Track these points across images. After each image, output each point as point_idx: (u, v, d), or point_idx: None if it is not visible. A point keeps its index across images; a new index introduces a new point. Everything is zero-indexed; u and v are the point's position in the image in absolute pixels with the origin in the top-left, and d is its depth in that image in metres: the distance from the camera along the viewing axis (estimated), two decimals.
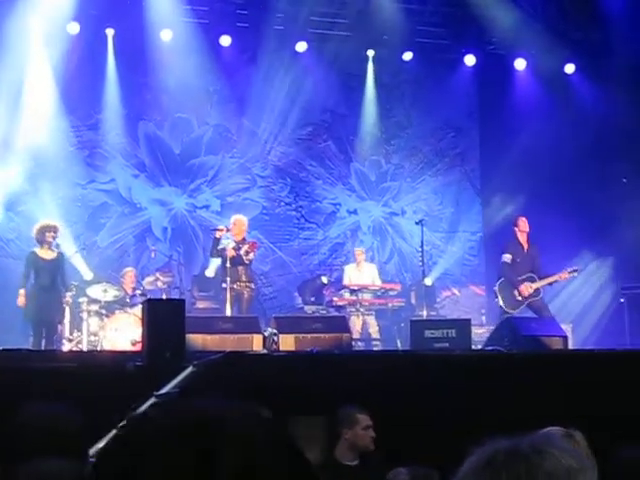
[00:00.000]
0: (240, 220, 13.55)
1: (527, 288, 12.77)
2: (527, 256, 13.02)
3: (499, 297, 12.96)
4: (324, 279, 15.61)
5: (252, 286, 13.16)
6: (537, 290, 12.85)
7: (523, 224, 13.09)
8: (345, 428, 6.45)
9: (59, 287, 12.26)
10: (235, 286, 12.83)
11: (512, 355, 8.87)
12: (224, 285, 12.96)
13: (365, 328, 14.43)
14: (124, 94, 15.54)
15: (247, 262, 13.03)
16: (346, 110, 17.17)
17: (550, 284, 13.12)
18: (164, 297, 13.11)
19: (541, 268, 12.99)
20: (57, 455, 2.73)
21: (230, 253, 12.88)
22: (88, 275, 14.22)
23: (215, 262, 14.14)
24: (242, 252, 12.93)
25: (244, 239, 13.33)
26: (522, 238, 13.10)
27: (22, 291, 12.12)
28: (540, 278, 12.90)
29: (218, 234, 13.21)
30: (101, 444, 6.06)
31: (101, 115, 15.56)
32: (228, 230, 13.25)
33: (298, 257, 16.67)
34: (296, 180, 16.81)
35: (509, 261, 12.92)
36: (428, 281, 15.37)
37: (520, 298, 12.79)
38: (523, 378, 7.63)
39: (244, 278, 12.94)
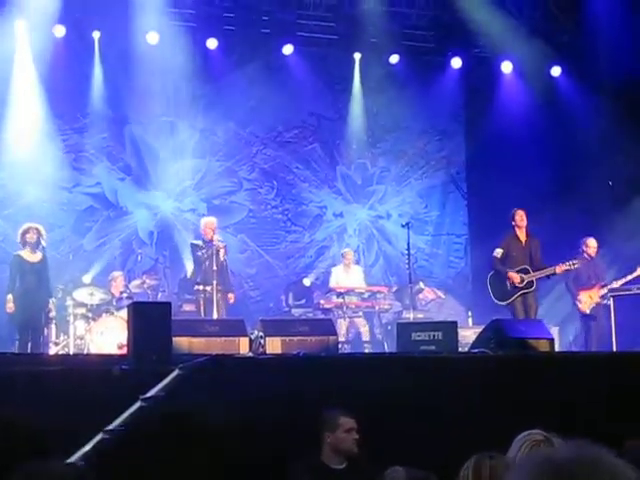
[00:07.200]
0: (208, 221, 13.71)
1: (516, 276, 12.68)
2: (525, 249, 12.84)
3: (490, 290, 12.90)
4: (305, 281, 15.65)
5: (220, 288, 13.10)
6: (531, 282, 12.69)
7: (520, 218, 12.90)
8: (327, 431, 6.42)
9: (44, 290, 12.16)
10: (208, 288, 12.86)
11: (499, 357, 8.87)
12: (196, 287, 13.09)
13: (354, 330, 14.46)
14: (110, 97, 15.49)
15: (222, 260, 13.07)
16: (332, 113, 17.19)
17: (548, 276, 12.93)
18: (150, 300, 13.13)
19: (540, 261, 12.81)
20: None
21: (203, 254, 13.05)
22: (87, 277, 14.32)
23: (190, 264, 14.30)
24: (214, 252, 12.96)
25: (212, 239, 13.31)
26: (520, 232, 12.98)
27: (10, 297, 11.95)
28: (535, 271, 12.74)
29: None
30: (87, 447, 6.06)
31: (87, 119, 15.54)
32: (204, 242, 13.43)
33: (284, 260, 16.66)
34: (282, 183, 16.80)
35: (499, 256, 12.78)
36: (422, 284, 15.42)
37: (509, 287, 12.66)
38: (509, 380, 7.64)
39: (216, 280, 12.94)
